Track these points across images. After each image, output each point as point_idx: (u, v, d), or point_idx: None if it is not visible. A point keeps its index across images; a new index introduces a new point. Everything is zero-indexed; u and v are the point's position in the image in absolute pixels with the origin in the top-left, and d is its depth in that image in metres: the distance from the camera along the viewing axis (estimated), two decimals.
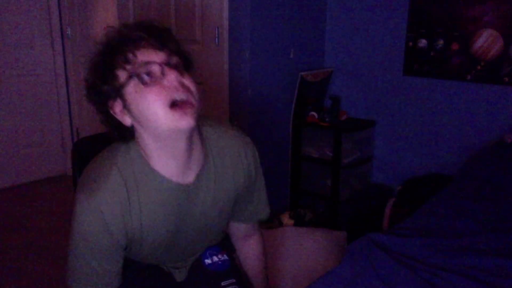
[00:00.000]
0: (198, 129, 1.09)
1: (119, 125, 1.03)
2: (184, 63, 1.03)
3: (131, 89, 0.97)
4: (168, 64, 0.98)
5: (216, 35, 2.57)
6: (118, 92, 0.99)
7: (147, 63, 0.96)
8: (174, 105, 0.96)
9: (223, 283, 1.27)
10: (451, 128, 2.69)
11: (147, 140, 1.03)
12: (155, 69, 0.97)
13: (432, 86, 2.71)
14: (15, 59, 3.39)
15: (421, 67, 2.71)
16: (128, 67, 0.97)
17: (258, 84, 2.63)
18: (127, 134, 1.05)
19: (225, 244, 1.39)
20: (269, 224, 2.63)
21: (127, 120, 1.02)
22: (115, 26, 1.05)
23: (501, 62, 2.44)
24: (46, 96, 3.59)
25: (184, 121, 0.96)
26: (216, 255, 1.32)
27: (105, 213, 1.01)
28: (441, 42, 2.61)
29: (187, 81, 0.99)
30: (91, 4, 3.41)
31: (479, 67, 2.52)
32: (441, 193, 1.84)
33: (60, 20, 3.55)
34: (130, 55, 0.97)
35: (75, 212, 1.03)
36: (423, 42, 2.67)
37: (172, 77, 0.96)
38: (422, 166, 2.80)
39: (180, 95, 0.96)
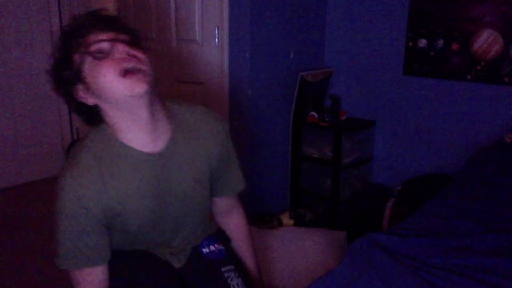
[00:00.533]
0: (162, 104, 1.19)
1: (87, 108, 1.14)
2: (133, 40, 1.12)
3: (87, 68, 1.07)
4: (116, 40, 1.08)
5: (216, 35, 2.57)
6: (77, 74, 1.09)
7: (97, 41, 1.07)
8: (126, 73, 1.05)
9: (223, 269, 1.34)
10: (451, 128, 2.69)
11: (111, 114, 1.12)
12: (105, 45, 1.07)
13: (432, 86, 2.71)
14: (15, 59, 3.39)
15: (421, 67, 2.71)
16: (82, 49, 1.07)
17: (258, 84, 2.63)
18: (95, 117, 1.15)
19: (221, 235, 1.46)
20: (269, 224, 2.63)
21: (90, 101, 1.12)
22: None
23: (501, 62, 2.44)
24: (46, 96, 3.58)
25: (137, 87, 1.06)
26: (213, 245, 1.39)
27: (80, 192, 1.09)
28: (441, 42, 2.61)
29: (137, 52, 1.08)
30: (91, 4, 3.41)
31: (479, 67, 2.52)
32: (441, 193, 1.84)
33: (60, 20, 3.55)
34: (81, 39, 1.08)
35: (56, 195, 1.11)
36: (423, 42, 2.67)
37: (120, 48, 1.07)
38: (422, 166, 2.80)
39: (130, 64, 1.06)
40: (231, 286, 1.31)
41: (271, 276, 2.06)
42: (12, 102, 3.42)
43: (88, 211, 1.11)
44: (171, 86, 2.84)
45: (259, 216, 2.70)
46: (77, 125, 3.73)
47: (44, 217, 2.95)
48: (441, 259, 1.29)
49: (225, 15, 2.51)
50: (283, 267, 2.15)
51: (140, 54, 1.08)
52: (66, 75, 1.09)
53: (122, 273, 1.24)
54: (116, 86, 1.05)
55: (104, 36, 1.07)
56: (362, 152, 2.95)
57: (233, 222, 1.50)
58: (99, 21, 1.11)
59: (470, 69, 2.55)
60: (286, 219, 2.67)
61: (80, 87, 1.10)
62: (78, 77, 1.09)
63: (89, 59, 1.07)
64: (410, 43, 2.72)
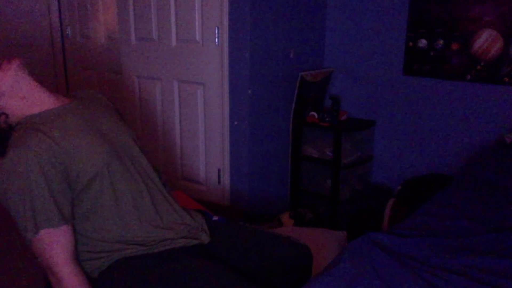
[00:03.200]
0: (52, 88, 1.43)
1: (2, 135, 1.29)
2: None
3: None
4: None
5: (216, 35, 2.57)
6: None
7: None
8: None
9: (240, 223, 1.61)
10: (451, 128, 2.69)
11: (15, 108, 1.33)
12: None
13: (432, 86, 2.71)
14: None
15: (421, 67, 2.71)
16: None
17: (258, 84, 2.63)
18: (5, 140, 1.27)
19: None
20: (269, 224, 2.63)
21: (2, 118, 1.32)
22: None
23: (501, 62, 2.44)
24: None
25: (11, 64, 1.29)
26: (215, 215, 1.63)
27: (32, 155, 1.20)
28: (441, 42, 2.61)
29: None
30: (91, 4, 3.41)
31: (479, 67, 2.52)
32: (441, 193, 1.84)
33: (60, 20, 3.55)
34: None
35: (6, 168, 1.22)
36: (423, 42, 2.67)
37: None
38: (422, 166, 2.80)
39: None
40: (257, 229, 1.57)
41: None
42: None
43: (46, 172, 1.21)
44: (171, 86, 2.84)
45: (259, 216, 2.70)
46: None
47: None
48: (441, 259, 1.29)
49: (225, 15, 2.51)
50: None
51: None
52: None
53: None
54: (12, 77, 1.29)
55: None
56: (362, 152, 2.95)
57: None
58: None
59: (470, 69, 2.55)
60: (286, 219, 2.67)
61: None
62: None
63: None
64: (410, 43, 2.72)
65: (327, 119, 2.81)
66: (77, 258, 1.31)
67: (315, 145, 2.90)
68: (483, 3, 2.44)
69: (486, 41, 2.47)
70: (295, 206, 2.97)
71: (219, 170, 2.77)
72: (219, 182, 2.78)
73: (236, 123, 2.65)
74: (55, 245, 1.25)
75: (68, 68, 3.63)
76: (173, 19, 2.73)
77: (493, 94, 2.51)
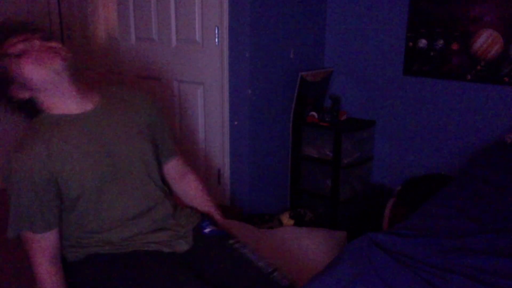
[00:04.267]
0: (88, 85, 1.44)
1: (25, 103, 1.35)
2: (45, 36, 1.32)
3: (14, 69, 1.27)
4: (28, 39, 1.28)
5: (216, 35, 2.57)
6: (7, 77, 1.29)
7: (13, 43, 1.27)
8: (41, 55, 1.28)
9: (230, 242, 1.49)
10: (451, 128, 2.69)
11: (43, 97, 1.34)
12: (20, 45, 1.27)
13: (432, 86, 2.71)
14: None
15: (421, 67, 2.71)
16: (2, 55, 1.27)
17: (258, 84, 2.63)
18: (32, 109, 1.36)
19: (213, 222, 1.63)
20: (269, 224, 2.63)
21: (26, 95, 1.33)
22: None
23: (501, 62, 2.44)
24: None
25: (55, 63, 1.28)
26: (209, 226, 1.55)
27: (27, 166, 1.26)
28: (441, 42, 2.61)
29: (51, 43, 1.30)
30: (91, 4, 3.40)
31: (479, 67, 2.52)
32: (441, 193, 1.84)
33: (60, 20, 3.55)
34: None
35: (7, 172, 1.29)
36: (423, 42, 2.67)
37: (35, 43, 1.28)
38: (422, 166, 2.80)
39: (46, 54, 1.28)
40: (243, 253, 1.44)
41: None
42: None
43: (35, 181, 1.26)
44: (171, 86, 2.84)
45: (259, 216, 2.70)
46: None
47: None
48: (441, 259, 1.29)
49: (225, 15, 2.51)
50: (283, 267, 2.15)
51: (54, 44, 1.30)
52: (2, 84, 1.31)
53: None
54: (37, 71, 1.27)
55: (18, 38, 1.28)
56: (362, 152, 2.95)
57: (186, 183, 1.71)
58: (11, 28, 1.30)
59: (470, 69, 2.55)
60: (286, 219, 2.67)
61: (13, 87, 1.31)
62: (8, 79, 1.29)
63: (12, 60, 1.27)
64: (410, 43, 2.72)
65: (327, 119, 2.81)
66: (58, 260, 1.37)
67: (315, 145, 2.90)
68: (483, 3, 2.44)
69: (486, 41, 2.47)
70: (295, 206, 2.97)
71: (219, 170, 2.77)
72: (219, 182, 2.78)
73: (236, 123, 2.65)
74: (35, 245, 1.32)
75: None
76: (173, 19, 2.73)
77: (493, 94, 2.51)
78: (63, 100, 1.35)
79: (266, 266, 1.44)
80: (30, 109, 1.37)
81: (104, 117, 1.40)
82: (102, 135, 1.37)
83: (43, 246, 1.32)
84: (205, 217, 1.62)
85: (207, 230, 1.53)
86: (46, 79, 1.29)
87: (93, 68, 3.51)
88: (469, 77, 2.56)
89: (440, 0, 2.57)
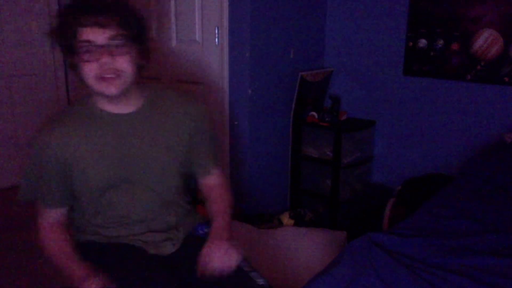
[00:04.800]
0: (138, 86, 1.33)
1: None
2: (128, 36, 1.21)
3: (75, 58, 1.20)
4: (107, 45, 1.18)
5: (216, 35, 2.57)
6: (68, 52, 1.22)
7: (88, 42, 1.18)
8: (102, 79, 1.21)
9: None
10: (451, 128, 2.69)
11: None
12: (93, 49, 1.18)
13: (432, 86, 2.71)
14: (15, 59, 3.39)
15: (421, 67, 2.71)
16: (75, 40, 1.18)
17: (258, 84, 2.63)
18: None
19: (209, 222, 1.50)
20: (269, 224, 2.63)
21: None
22: None
23: (501, 62, 2.44)
24: (46, 96, 3.58)
25: (109, 90, 1.22)
26: (207, 228, 1.45)
27: (45, 141, 1.27)
28: (441, 42, 2.61)
29: (119, 63, 1.20)
30: None
31: (479, 67, 2.52)
32: (441, 193, 1.84)
33: None
34: (77, 32, 1.17)
35: (32, 141, 1.30)
36: (423, 42, 2.67)
37: (104, 61, 1.19)
38: (422, 166, 2.80)
39: (108, 74, 1.20)
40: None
41: (271, 276, 2.06)
42: (12, 102, 3.42)
43: (49, 159, 1.27)
44: (171, 86, 2.84)
45: (259, 216, 2.70)
46: None
47: None
48: (441, 259, 1.29)
49: (225, 15, 2.51)
50: (283, 267, 2.15)
51: (122, 66, 1.21)
52: (61, 44, 1.23)
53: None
54: (92, 85, 1.22)
55: (97, 36, 1.17)
56: (362, 152, 2.95)
57: (214, 193, 1.51)
58: (98, 13, 1.17)
59: (470, 69, 2.55)
60: (286, 219, 2.67)
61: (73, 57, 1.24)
62: (69, 54, 1.22)
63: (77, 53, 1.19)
64: (410, 43, 2.72)
65: (327, 119, 2.81)
66: (64, 228, 1.39)
67: (315, 145, 2.90)
68: (483, 3, 2.44)
69: (486, 41, 2.47)
70: (295, 206, 2.97)
71: None
72: None
73: (236, 123, 2.65)
74: (42, 215, 1.38)
75: (68, 68, 3.63)
76: (173, 19, 2.73)
77: (493, 94, 2.51)
78: (105, 99, 1.29)
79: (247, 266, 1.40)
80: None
81: (136, 124, 1.32)
82: (125, 141, 1.31)
83: (50, 220, 1.37)
84: (201, 218, 1.54)
85: (201, 232, 1.47)
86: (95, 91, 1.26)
87: None
88: (469, 77, 2.56)
89: (440, 0, 2.57)
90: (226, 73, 2.59)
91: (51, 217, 1.38)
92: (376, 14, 2.83)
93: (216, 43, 2.58)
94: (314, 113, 2.85)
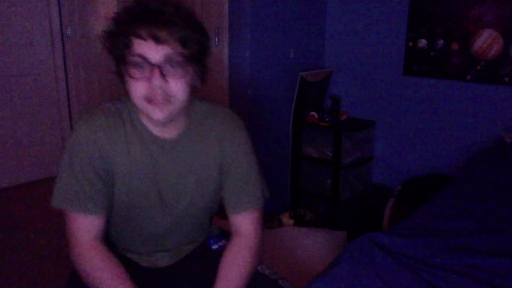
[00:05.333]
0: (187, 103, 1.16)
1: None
2: (191, 55, 1.06)
3: (124, 68, 1.06)
4: (161, 65, 1.03)
5: (216, 35, 2.57)
6: (118, 60, 1.08)
7: (141, 57, 1.02)
8: (151, 100, 1.05)
9: None
10: (451, 128, 2.69)
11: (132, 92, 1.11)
12: (146, 66, 1.03)
13: (432, 86, 2.71)
14: (15, 59, 3.39)
15: (421, 67, 2.71)
16: (127, 51, 1.04)
17: (258, 84, 2.63)
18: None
19: (225, 233, 1.39)
20: (269, 224, 2.63)
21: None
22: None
23: (501, 62, 2.44)
24: (46, 96, 3.59)
25: (156, 115, 1.07)
26: (221, 241, 1.35)
27: (92, 136, 1.10)
28: (441, 42, 2.61)
29: (172, 87, 1.05)
30: (91, 4, 3.41)
31: (479, 67, 2.52)
32: (441, 193, 1.84)
33: (60, 20, 3.55)
34: (130, 42, 1.03)
35: (72, 134, 1.13)
36: (423, 42, 2.67)
37: (156, 83, 1.03)
38: (422, 166, 2.80)
39: (158, 97, 1.05)
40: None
41: None
42: (12, 102, 3.42)
43: (94, 155, 1.10)
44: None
45: None
46: None
47: (44, 217, 2.95)
48: (441, 259, 1.29)
49: (225, 15, 2.51)
50: (283, 267, 2.15)
51: (174, 90, 1.06)
52: (113, 50, 1.08)
53: None
54: (139, 105, 1.07)
55: (152, 53, 1.02)
56: (362, 152, 2.95)
57: (232, 246, 1.23)
58: (163, 24, 1.01)
59: (470, 69, 2.55)
60: (286, 219, 2.67)
61: (122, 65, 1.09)
62: (118, 63, 1.09)
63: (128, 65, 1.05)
64: (410, 43, 2.72)
65: (327, 119, 2.81)
66: (102, 241, 1.15)
67: (315, 145, 2.90)
68: (483, 3, 2.44)
69: (486, 41, 2.47)
70: (295, 206, 2.97)
71: None
72: None
73: None
74: (81, 227, 1.12)
75: (68, 68, 3.63)
76: None
77: (493, 94, 2.51)
78: (148, 119, 1.14)
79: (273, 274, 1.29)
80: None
81: (173, 153, 1.17)
82: (159, 167, 1.17)
83: (91, 232, 1.12)
84: (216, 230, 1.41)
85: (215, 247, 1.33)
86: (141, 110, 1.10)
87: (94, 68, 3.51)
88: (469, 77, 2.57)
89: (440, 0, 2.57)
90: (226, 73, 2.59)
91: (92, 229, 1.12)
92: (376, 14, 2.83)
93: (216, 43, 2.58)
94: (314, 113, 2.85)
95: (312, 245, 2.28)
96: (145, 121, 1.15)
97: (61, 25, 3.55)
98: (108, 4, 3.28)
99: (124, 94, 1.15)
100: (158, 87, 1.03)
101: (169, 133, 1.16)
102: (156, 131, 1.15)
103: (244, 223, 1.23)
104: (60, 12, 3.53)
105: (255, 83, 2.61)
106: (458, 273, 1.22)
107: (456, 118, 2.66)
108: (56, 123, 3.69)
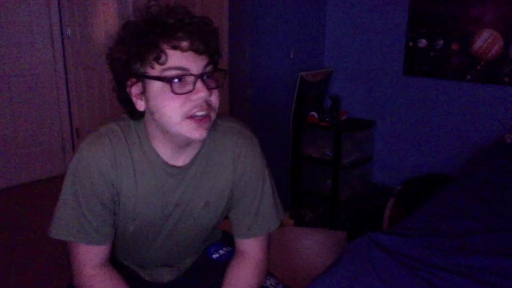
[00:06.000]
0: None
1: (131, 103, 1.01)
2: (216, 63, 1.01)
3: (157, 87, 0.95)
4: (202, 75, 0.95)
5: None
6: (141, 78, 0.96)
7: (183, 69, 0.94)
8: (192, 117, 0.96)
9: None
10: (451, 128, 2.69)
11: (153, 126, 1.03)
12: (188, 79, 0.95)
13: (432, 86, 2.71)
14: (15, 59, 3.39)
15: (421, 67, 2.71)
16: (161, 62, 0.93)
17: (258, 84, 2.63)
18: (136, 114, 1.04)
19: (226, 239, 1.36)
20: None
21: (140, 105, 1.00)
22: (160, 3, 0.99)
23: (501, 62, 2.44)
24: (46, 96, 3.59)
25: (198, 133, 0.97)
26: (221, 249, 1.30)
27: (100, 160, 1.02)
28: (441, 42, 2.61)
29: (213, 98, 0.98)
30: (91, 4, 3.41)
31: (479, 67, 2.52)
32: (441, 193, 1.84)
33: (60, 20, 3.55)
34: (166, 54, 0.93)
35: (73, 157, 1.04)
36: (423, 42, 2.67)
37: (201, 95, 0.94)
38: (422, 166, 2.80)
39: (201, 112, 0.96)
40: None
41: None
42: (12, 102, 3.42)
43: (98, 180, 1.03)
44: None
45: None
46: (77, 125, 3.73)
47: (44, 217, 2.95)
48: (441, 259, 1.29)
49: (225, 15, 2.51)
50: (283, 267, 2.15)
51: (215, 101, 0.99)
52: (130, 66, 0.96)
53: None
54: (177, 125, 0.96)
55: (192, 64, 0.94)
56: (362, 152, 2.95)
57: (237, 268, 1.18)
58: (195, 37, 0.94)
59: (470, 69, 2.55)
60: (286, 219, 2.67)
61: (137, 86, 0.99)
62: (141, 80, 0.97)
63: (163, 82, 0.94)
64: (410, 43, 2.72)
65: (327, 119, 2.81)
66: (107, 263, 1.11)
67: (315, 145, 2.90)
68: (483, 3, 2.44)
69: (486, 41, 2.47)
70: (295, 206, 2.97)
71: None
72: None
73: None
74: (85, 256, 1.08)
75: (68, 68, 3.63)
76: None
77: (493, 94, 2.51)
78: (164, 144, 1.05)
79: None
80: (136, 113, 1.04)
81: (182, 181, 1.09)
82: (168, 195, 1.10)
83: (96, 260, 1.08)
84: (218, 234, 1.36)
85: (215, 256, 1.28)
86: (174, 132, 0.99)
87: (94, 68, 3.51)
88: (469, 77, 2.56)
89: (440, 0, 2.57)
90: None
91: (96, 257, 1.07)
92: (376, 14, 2.83)
93: None
94: (314, 113, 2.85)
95: (312, 245, 2.28)
96: (157, 146, 1.05)
97: (61, 25, 3.55)
98: (108, 4, 3.28)
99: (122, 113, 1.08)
100: (203, 100, 0.95)
101: (183, 159, 1.08)
102: (168, 157, 1.06)
103: (253, 245, 1.18)
104: (60, 12, 3.53)
105: (255, 83, 2.61)
106: (458, 273, 1.22)
107: (456, 118, 2.66)
108: (56, 123, 3.69)
